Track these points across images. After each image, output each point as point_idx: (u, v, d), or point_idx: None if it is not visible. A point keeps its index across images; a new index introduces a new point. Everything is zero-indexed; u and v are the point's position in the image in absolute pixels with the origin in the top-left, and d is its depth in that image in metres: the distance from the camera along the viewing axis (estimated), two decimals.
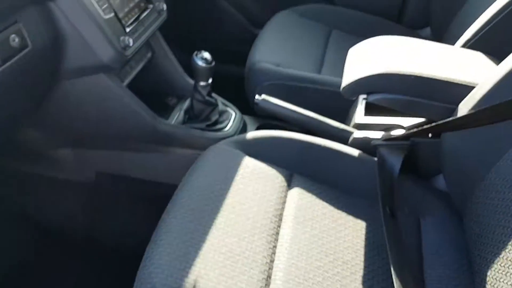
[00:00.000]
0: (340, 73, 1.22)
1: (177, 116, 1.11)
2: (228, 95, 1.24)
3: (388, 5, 1.58)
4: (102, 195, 1.15)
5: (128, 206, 1.13)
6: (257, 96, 0.98)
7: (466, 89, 0.80)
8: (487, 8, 1.14)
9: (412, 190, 0.86)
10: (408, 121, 0.95)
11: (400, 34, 1.45)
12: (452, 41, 1.26)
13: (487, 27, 0.94)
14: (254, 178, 0.82)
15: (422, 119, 0.93)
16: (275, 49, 1.25)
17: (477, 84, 0.79)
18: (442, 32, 1.36)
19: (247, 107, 1.20)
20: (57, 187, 1.15)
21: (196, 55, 1.02)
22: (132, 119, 1.00)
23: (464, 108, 0.78)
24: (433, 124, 0.75)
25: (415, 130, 0.78)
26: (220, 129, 1.07)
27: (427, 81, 0.84)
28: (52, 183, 1.14)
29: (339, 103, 1.09)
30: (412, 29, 1.54)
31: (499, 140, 0.71)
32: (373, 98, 0.87)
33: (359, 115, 1.00)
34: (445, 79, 0.82)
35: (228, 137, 1.03)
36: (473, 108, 0.75)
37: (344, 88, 0.88)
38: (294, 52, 1.25)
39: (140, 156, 1.08)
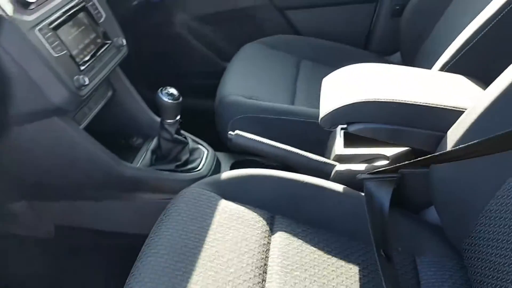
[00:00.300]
0: (313, 103, 1.18)
1: (143, 157, 1.02)
2: (199, 131, 1.17)
3: (355, 33, 1.56)
4: (63, 251, 1.03)
5: (92, 261, 1.01)
6: (230, 132, 0.91)
7: (453, 114, 0.75)
8: (458, 30, 1.13)
9: (403, 226, 0.80)
10: (392, 151, 0.90)
11: (370, 61, 1.45)
12: (425, 65, 1.25)
13: (465, 49, 0.91)
14: (233, 225, 0.74)
15: (406, 148, 0.88)
16: (245, 81, 1.19)
17: (464, 109, 0.74)
18: (413, 57, 1.35)
19: (220, 143, 1.13)
20: (15, 245, 1.03)
21: (162, 91, 0.94)
22: (92, 165, 0.90)
23: (453, 135, 0.73)
24: (426, 157, 0.69)
25: (405, 163, 0.72)
26: (192, 170, 0.99)
27: (410, 108, 0.79)
28: (11, 240, 1.02)
29: (316, 134, 1.04)
30: (380, 55, 1.52)
31: (496, 167, 0.66)
32: (353, 128, 0.81)
33: (339, 147, 0.94)
34: (430, 105, 0.78)
35: (201, 177, 0.95)
36: (463, 135, 0.70)
37: (322, 118, 0.82)
38: (265, 83, 1.19)
39: (103, 205, 0.98)
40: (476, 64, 0.91)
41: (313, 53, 1.42)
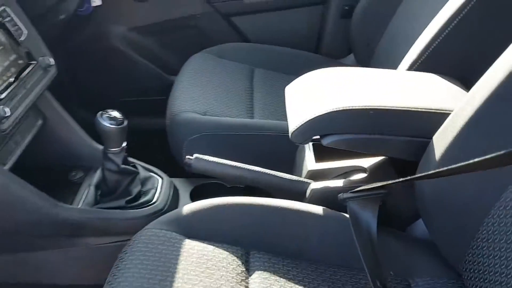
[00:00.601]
0: (274, 114, 1.09)
1: (86, 195, 0.87)
2: (149, 156, 1.04)
3: (305, 36, 1.50)
4: None
5: None
6: (188, 156, 0.79)
7: (437, 118, 0.68)
8: (416, 28, 1.09)
9: (393, 247, 0.71)
10: (369, 161, 0.81)
11: (324, 65, 1.38)
12: (383, 67, 1.20)
13: (433, 46, 0.85)
14: (203, 270, 0.62)
15: (384, 157, 0.80)
16: (197, 95, 1.08)
17: (449, 111, 0.67)
18: (368, 58, 1.29)
19: (175, 167, 1.00)
20: None
21: (102, 115, 0.80)
22: (22, 210, 0.75)
23: (440, 141, 0.66)
24: (418, 176, 0.61)
25: (394, 181, 0.63)
26: (146, 204, 0.85)
27: (389, 114, 0.71)
28: None
29: (281, 149, 0.94)
30: (334, 58, 1.46)
31: (496, 174, 0.58)
32: (328, 141, 0.72)
33: (311, 162, 0.84)
34: (411, 109, 0.70)
35: (157, 212, 0.82)
36: (453, 140, 0.63)
37: (293, 133, 0.73)
38: (219, 97, 1.08)
39: (47, 255, 0.82)
40: (445, 61, 0.85)
41: (265, 60, 1.33)
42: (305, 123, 0.71)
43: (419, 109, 0.70)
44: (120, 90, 1.45)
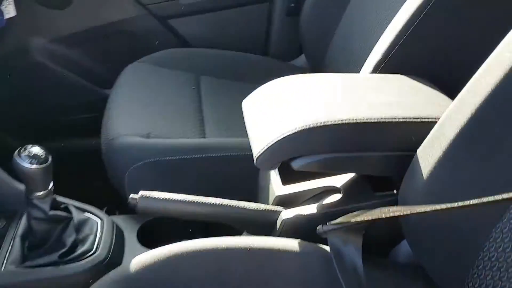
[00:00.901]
0: (229, 130, 0.96)
1: (9, 250, 0.70)
2: (83, 188, 0.88)
3: (252, 38, 1.39)
4: None
5: None
6: (131, 196, 0.65)
7: (419, 128, 0.60)
8: (371, 25, 1.02)
9: (381, 280, 0.62)
10: (341, 179, 0.72)
11: (275, 68, 1.30)
12: (338, 67, 1.12)
13: (397, 46, 0.76)
14: None
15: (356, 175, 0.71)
16: (137, 114, 0.93)
17: (434, 119, 0.58)
18: (320, 59, 1.20)
19: (115, 196, 0.86)
20: None
21: (19, 153, 0.64)
22: None
23: (427, 155, 0.57)
24: (413, 212, 0.52)
25: (382, 216, 0.54)
26: (84, 255, 0.70)
27: (367, 127, 0.61)
28: None
29: (242, 171, 0.82)
30: (284, 60, 1.36)
31: (496, 193, 0.51)
32: (299, 164, 0.62)
33: (278, 186, 0.73)
34: (391, 120, 0.61)
35: (99, 264, 0.67)
36: (442, 155, 0.54)
37: (258, 158, 0.61)
38: (163, 114, 0.94)
39: None
40: (414, 61, 0.77)
41: (211, 66, 1.21)
42: (271, 145, 0.60)
43: (401, 119, 0.61)
44: (46, 110, 1.28)
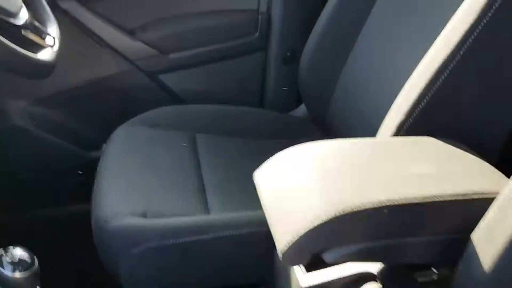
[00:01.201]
0: (234, 202, 0.86)
1: None
2: (73, 265, 0.85)
3: (247, 90, 1.33)
4: None
5: None
6: None
7: (475, 206, 0.51)
8: (377, 73, 0.93)
9: None
10: (375, 263, 0.62)
11: (272, 120, 1.22)
12: (343, 120, 1.05)
13: (423, 102, 0.69)
14: None
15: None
16: (132, 188, 0.83)
17: (492, 194, 0.50)
18: (324, 109, 1.13)
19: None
20: None
21: (1, 259, 0.53)
22: None
23: (487, 240, 0.48)
24: None
25: None
26: None
27: (409, 209, 0.52)
28: None
29: (255, 251, 0.72)
30: (282, 111, 1.29)
31: None
32: (333, 256, 0.52)
33: (301, 276, 0.63)
34: (437, 199, 0.52)
35: None
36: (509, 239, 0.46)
37: (285, 254, 0.51)
38: (161, 186, 0.84)
39: None
40: (443, 120, 0.70)
41: (205, 123, 1.13)
42: (299, 238, 0.51)
43: (448, 198, 0.52)
44: (28, 177, 1.17)
